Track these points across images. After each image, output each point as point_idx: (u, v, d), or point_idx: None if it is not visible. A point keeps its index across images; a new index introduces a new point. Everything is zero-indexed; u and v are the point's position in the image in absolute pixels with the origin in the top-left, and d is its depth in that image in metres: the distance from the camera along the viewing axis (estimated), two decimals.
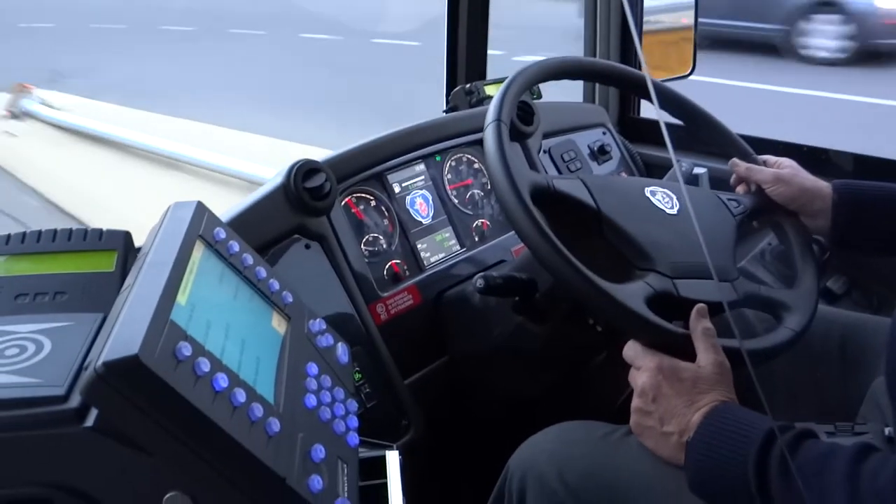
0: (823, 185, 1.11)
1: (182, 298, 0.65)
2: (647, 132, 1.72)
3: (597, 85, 1.75)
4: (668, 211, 1.05)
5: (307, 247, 1.17)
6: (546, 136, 1.50)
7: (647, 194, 1.06)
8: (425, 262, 1.31)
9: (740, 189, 1.18)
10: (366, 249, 1.24)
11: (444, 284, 1.30)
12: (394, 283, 1.26)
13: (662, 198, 1.06)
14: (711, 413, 0.84)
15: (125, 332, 0.59)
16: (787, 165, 1.16)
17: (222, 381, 0.62)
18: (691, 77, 1.74)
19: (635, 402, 0.91)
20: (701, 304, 0.92)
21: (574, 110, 1.62)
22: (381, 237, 1.27)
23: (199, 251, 0.72)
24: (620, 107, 1.76)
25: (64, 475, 0.61)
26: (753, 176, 1.14)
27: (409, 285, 1.26)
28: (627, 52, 1.67)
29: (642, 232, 1.00)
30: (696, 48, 1.76)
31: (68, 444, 0.60)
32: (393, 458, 0.81)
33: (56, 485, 0.61)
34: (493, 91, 1.60)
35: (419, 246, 1.32)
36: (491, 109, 1.03)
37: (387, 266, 1.26)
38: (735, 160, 1.17)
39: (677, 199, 1.07)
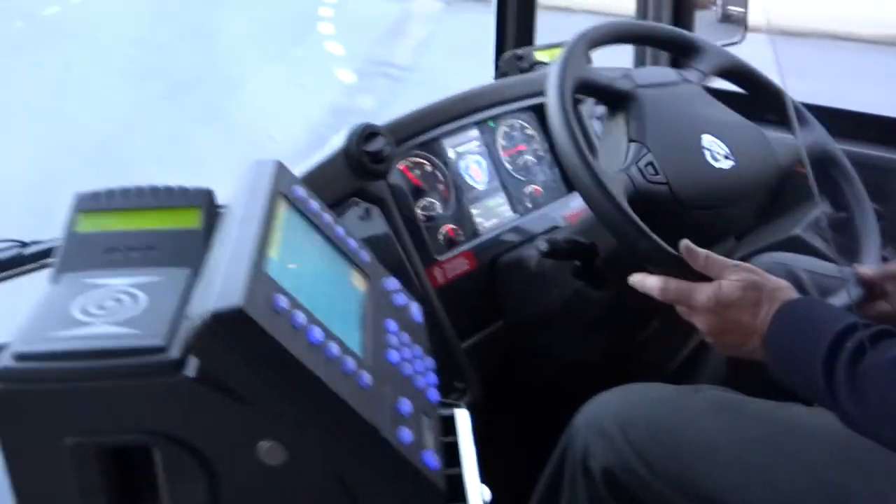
0: None
1: (273, 253, 0.67)
2: None
3: (647, 50, 1.73)
4: (723, 167, 1.06)
5: (367, 210, 1.18)
6: (598, 102, 1.49)
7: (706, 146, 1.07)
8: (479, 228, 1.32)
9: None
10: (422, 214, 1.25)
11: (499, 249, 1.31)
12: (449, 247, 1.27)
13: (716, 149, 1.07)
14: (780, 315, 0.85)
15: (226, 285, 0.60)
16: None
17: (318, 334, 0.63)
18: None
19: (709, 338, 0.92)
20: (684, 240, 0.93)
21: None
22: (436, 202, 1.28)
23: (282, 208, 0.73)
24: None
25: (163, 424, 0.63)
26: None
27: (465, 250, 1.27)
28: (680, 16, 1.65)
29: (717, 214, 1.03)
30: (748, 15, 1.74)
31: (168, 393, 0.62)
32: (463, 417, 0.83)
33: (155, 432, 0.63)
34: (543, 56, 1.60)
35: (473, 211, 1.33)
36: (553, 81, 1.03)
37: (442, 230, 1.27)
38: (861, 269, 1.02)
39: (729, 149, 1.08)
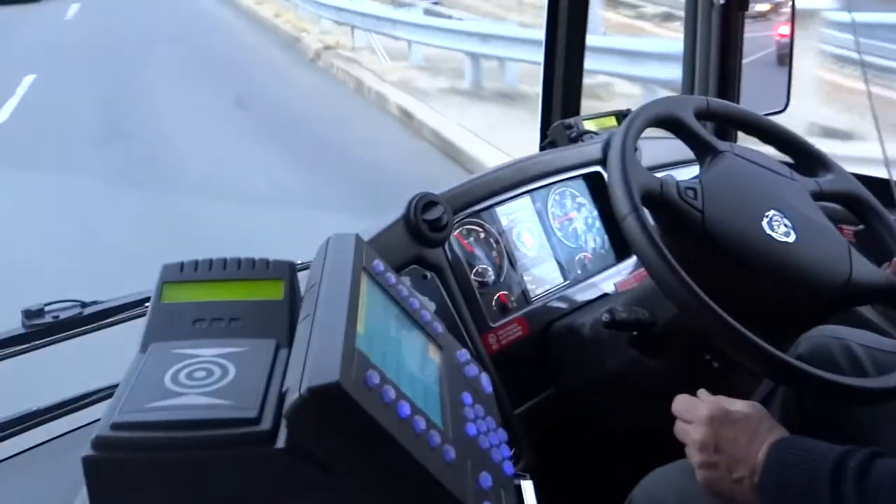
0: None
1: (360, 327, 0.69)
2: None
3: None
4: (771, 233, 1.04)
5: (425, 276, 1.20)
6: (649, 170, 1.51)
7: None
8: (531, 294, 1.34)
9: None
10: (475, 280, 1.27)
11: (551, 316, 1.32)
12: (502, 313, 1.28)
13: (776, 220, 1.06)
14: (775, 448, 0.85)
15: (321, 360, 0.62)
16: None
17: (406, 408, 0.65)
18: None
19: (696, 458, 0.91)
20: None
21: (673, 146, 1.63)
22: (489, 269, 1.30)
23: (365, 282, 0.76)
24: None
25: (254, 493, 0.64)
26: None
27: (518, 316, 1.29)
28: (726, 87, 1.68)
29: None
30: (791, 83, 1.77)
31: (259, 463, 0.63)
32: (529, 488, 0.83)
33: (246, 501, 0.64)
34: (592, 126, 1.64)
35: (525, 278, 1.35)
36: (615, 164, 1.03)
37: (495, 297, 1.29)
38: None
39: (793, 226, 1.06)
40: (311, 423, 0.61)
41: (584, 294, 1.38)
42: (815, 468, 0.81)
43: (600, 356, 1.22)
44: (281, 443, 0.63)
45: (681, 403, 0.95)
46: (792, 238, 1.03)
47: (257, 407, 0.64)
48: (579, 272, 1.42)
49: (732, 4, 1.63)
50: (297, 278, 0.80)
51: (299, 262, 0.85)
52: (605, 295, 1.39)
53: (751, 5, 1.65)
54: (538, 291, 1.35)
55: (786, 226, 1.04)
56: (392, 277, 0.81)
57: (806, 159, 1.20)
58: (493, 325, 1.25)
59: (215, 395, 0.66)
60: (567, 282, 1.39)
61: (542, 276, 1.37)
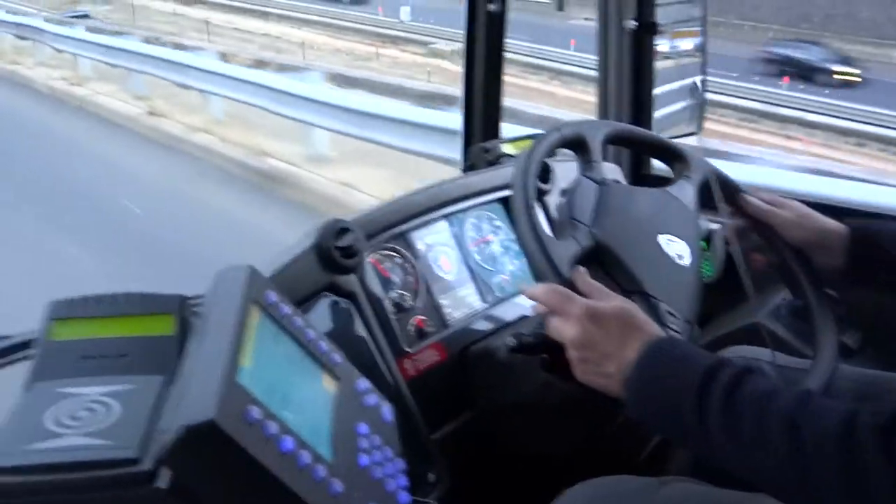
0: (838, 226, 1.13)
1: (245, 362, 0.68)
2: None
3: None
4: (679, 261, 1.10)
5: (336, 303, 1.20)
6: (563, 192, 1.54)
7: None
8: (449, 318, 1.34)
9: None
10: (392, 306, 1.27)
11: (468, 340, 1.32)
12: (419, 338, 1.29)
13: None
14: (649, 348, 0.87)
15: (198, 396, 0.62)
16: (796, 207, 1.18)
17: (288, 443, 0.64)
18: None
19: (572, 354, 0.93)
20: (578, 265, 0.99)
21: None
22: (406, 293, 1.30)
23: (255, 315, 0.75)
24: (632, 163, 1.81)
25: None
26: (772, 219, 1.16)
27: (435, 341, 1.29)
28: (639, 114, 1.72)
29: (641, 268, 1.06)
30: (704, 110, 1.82)
31: None
32: None
33: None
34: (510, 149, 1.66)
35: (442, 301, 1.35)
36: (517, 191, 1.08)
37: (412, 321, 1.29)
38: (749, 198, 1.19)
39: (689, 250, 1.12)
40: (190, 461, 0.61)
41: (503, 315, 1.39)
42: (684, 375, 0.82)
43: (515, 379, 1.23)
44: (162, 483, 0.62)
45: (553, 294, 0.95)
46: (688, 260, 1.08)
47: (138, 446, 0.63)
48: (497, 295, 1.43)
49: (642, 29, 1.67)
50: (188, 312, 0.79)
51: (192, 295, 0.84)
52: (524, 317, 1.40)
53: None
54: (456, 315, 1.36)
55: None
56: (286, 308, 0.81)
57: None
58: (409, 351, 1.25)
59: (96, 435, 0.65)
60: (485, 304, 1.40)
61: (459, 299, 1.38)
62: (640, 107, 1.72)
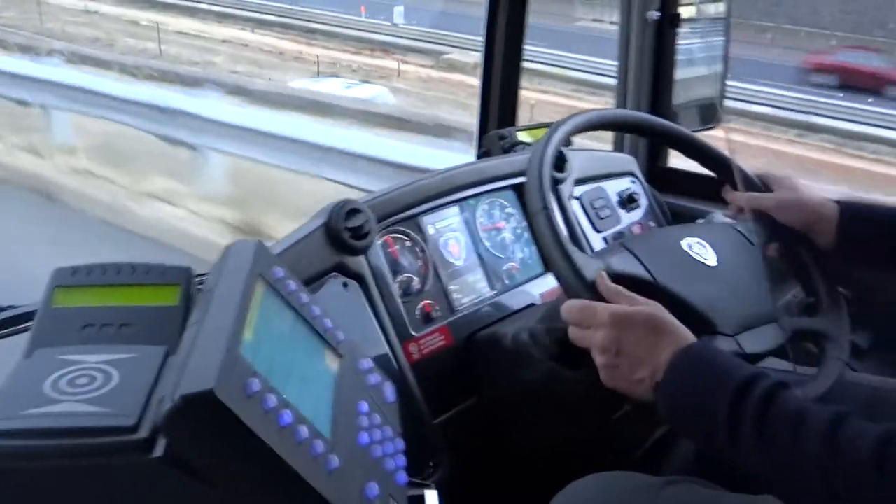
0: (827, 202, 1.11)
1: (248, 335, 0.68)
2: (674, 182, 1.75)
3: (626, 137, 1.79)
4: (708, 263, 1.08)
5: (345, 285, 1.19)
6: (577, 182, 1.53)
7: (685, 248, 1.09)
8: (456, 304, 1.33)
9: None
10: (399, 289, 1.27)
11: (475, 326, 1.32)
12: (426, 322, 1.28)
13: (700, 250, 1.10)
14: (683, 354, 0.85)
15: (199, 367, 0.61)
16: (788, 185, 1.15)
17: (287, 417, 0.64)
18: None
19: (599, 360, 0.91)
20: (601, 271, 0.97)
21: (604, 158, 1.65)
22: (414, 277, 1.29)
23: (260, 289, 0.75)
24: (649, 156, 1.79)
25: (130, 503, 0.63)
26: (758, 205, 1.14)
27: (441, 326, 1.28)
28: (658, 103, 1.71)
29: (696, 294, 1.03)
30: (723, 101, 1.80)
31: (136, 472, 0.62)
32: (432, 498, 0.83)
33: None
34: (526, 136, 1.64)
35: (451, 287, 1.34)
36: (534, 163, 1.06)
37: (419, 306, 1.28)
38: (730, 191, 1.18)
39: (710, 248, 1.11)
40: (187, 431, 0.60)
41: (510, 303, 1.38)
42: (719, 384, 0.81)
43: (521, 366, 1.22)
44: (159, 452, 0.61)
45: (577, 311, 0.93)
46: (714, 259, 1.09)
47: (136, 415, 0.63)
48: (506, 282, 1.42)
49: (665, 21, 1.65)
50: (194, 285, 0.79)
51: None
52: (531, 305, 1.40)
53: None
54: (464, 301, 1.35)
55: (700, 246, 1.11)
56: (292, 284, 0.80)
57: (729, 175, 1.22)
58: (415, 334, 1.24)
59: (95, 402, 0.65)
60: (493, 292, 1.39)
61: (468, 285, 1.37)
62: (659, 98, 1.70)
